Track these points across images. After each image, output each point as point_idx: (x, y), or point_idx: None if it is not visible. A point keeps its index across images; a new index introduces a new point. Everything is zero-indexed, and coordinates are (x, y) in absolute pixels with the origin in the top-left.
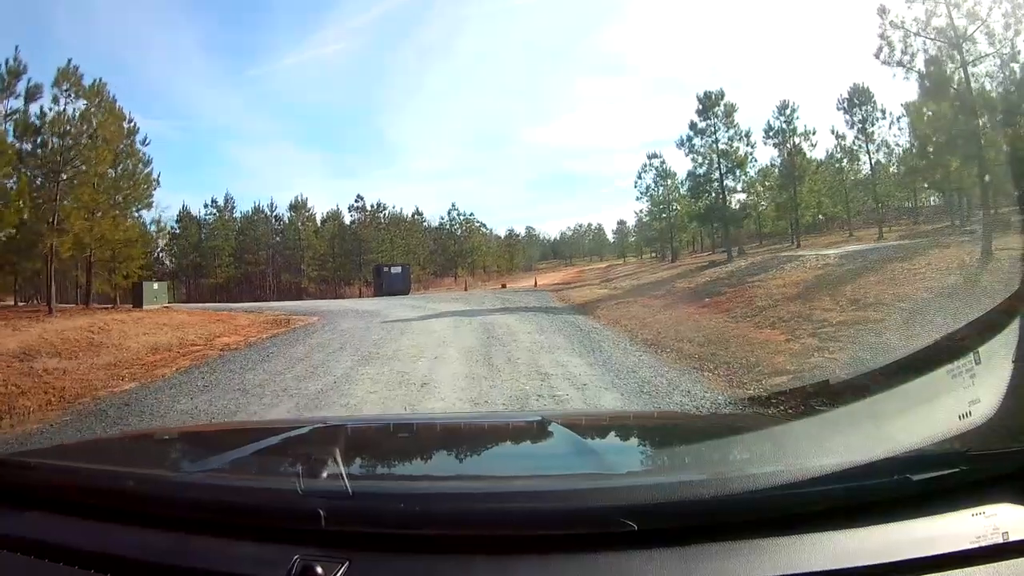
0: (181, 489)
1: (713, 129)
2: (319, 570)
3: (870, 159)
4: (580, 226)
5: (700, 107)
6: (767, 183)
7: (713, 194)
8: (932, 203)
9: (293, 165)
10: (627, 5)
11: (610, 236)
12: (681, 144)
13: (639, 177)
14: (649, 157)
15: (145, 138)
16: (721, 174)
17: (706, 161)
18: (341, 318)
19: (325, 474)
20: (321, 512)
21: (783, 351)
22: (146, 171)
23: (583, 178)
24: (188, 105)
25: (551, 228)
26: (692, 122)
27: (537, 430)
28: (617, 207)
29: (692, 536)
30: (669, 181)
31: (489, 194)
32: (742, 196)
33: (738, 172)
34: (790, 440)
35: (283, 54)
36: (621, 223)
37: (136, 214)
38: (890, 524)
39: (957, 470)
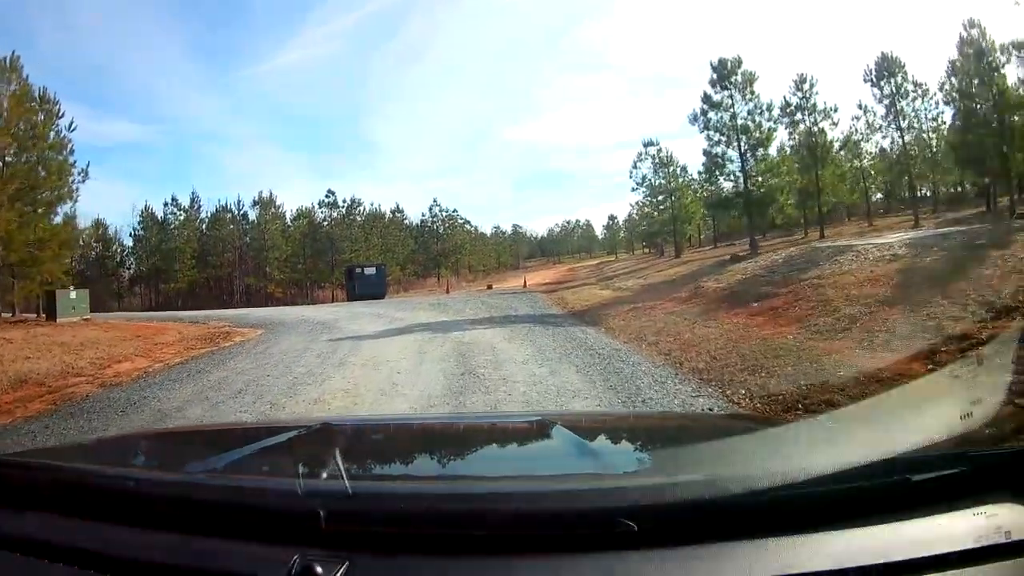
0: (181, 489)
1: (731, 101)
2: (319, 570)
3: (902, 137)
4: (568, 223)
5: (715, 76)
6: (784, 166)
7: (733, 177)
8: (940, 193)
9: (278, 168)
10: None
11: (599, 232)
12: (694, 120)
13: (634, 167)
14: (645, 145)
15: (71, 123)
16: (742, 153)
17: (723, 139)
18: (287, 332)
19: (325, 474)
20: (321, 512)
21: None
22: (60, 158)
23: (569, 176)
24: (172, 109)
25: (538, 226)
26: (706, 94)
27: (537, 430)
28: (604, 203)
29: (692, 536)
30: (670, 169)
31: (475, 193)
32: (766, 178)
33: (759, 152)
34: (790, 440)
35: (268, 57)
36: (612, 218)
37: (68, 211)
38: (890, 524)
39: (957, 470)
